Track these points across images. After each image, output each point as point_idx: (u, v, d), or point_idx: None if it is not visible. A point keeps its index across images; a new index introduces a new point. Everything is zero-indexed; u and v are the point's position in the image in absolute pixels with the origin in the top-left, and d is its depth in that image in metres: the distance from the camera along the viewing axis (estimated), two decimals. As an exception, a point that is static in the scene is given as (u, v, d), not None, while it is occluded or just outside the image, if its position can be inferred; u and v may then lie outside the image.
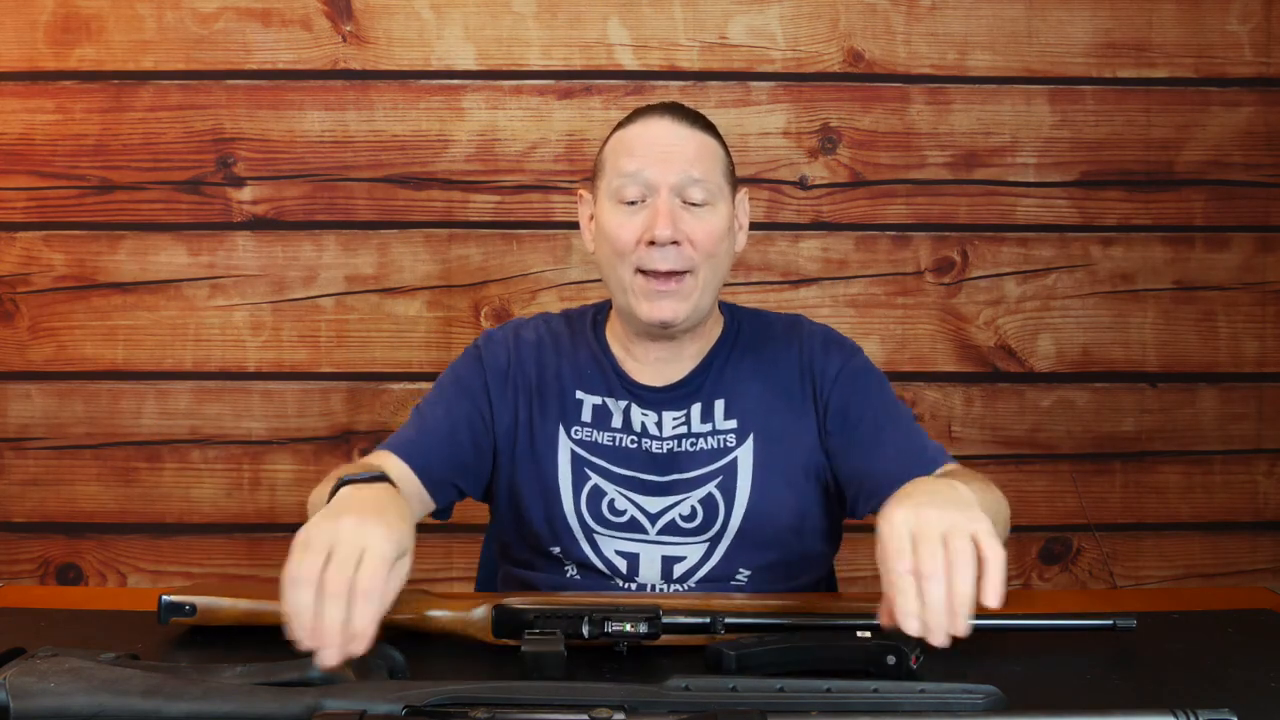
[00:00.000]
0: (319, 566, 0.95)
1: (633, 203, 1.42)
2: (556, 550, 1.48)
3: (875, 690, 0.94)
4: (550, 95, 2.19)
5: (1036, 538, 2.28)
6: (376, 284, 2.19)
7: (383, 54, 2.17)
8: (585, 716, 0.88)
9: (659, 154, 1.42)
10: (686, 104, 1.50)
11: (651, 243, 1.39)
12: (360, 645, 0.94)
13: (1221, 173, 2.24)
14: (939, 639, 0.94)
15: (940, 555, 0.95)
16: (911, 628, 0.94)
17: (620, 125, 1.50)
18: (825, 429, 1.47)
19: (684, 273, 1.40)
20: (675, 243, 1.39)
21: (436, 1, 2.16)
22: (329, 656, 0.93)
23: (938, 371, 2.24)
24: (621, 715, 0.89)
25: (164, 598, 1.19)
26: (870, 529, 1.04)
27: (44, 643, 1.00)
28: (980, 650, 1.16)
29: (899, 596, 0.95)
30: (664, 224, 1.38)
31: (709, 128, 1.49)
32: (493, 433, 1.48)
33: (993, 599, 0.95)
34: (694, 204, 1.42)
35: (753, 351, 1.51)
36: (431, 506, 1.46)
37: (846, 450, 1.46)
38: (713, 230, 1.42)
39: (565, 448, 1.47)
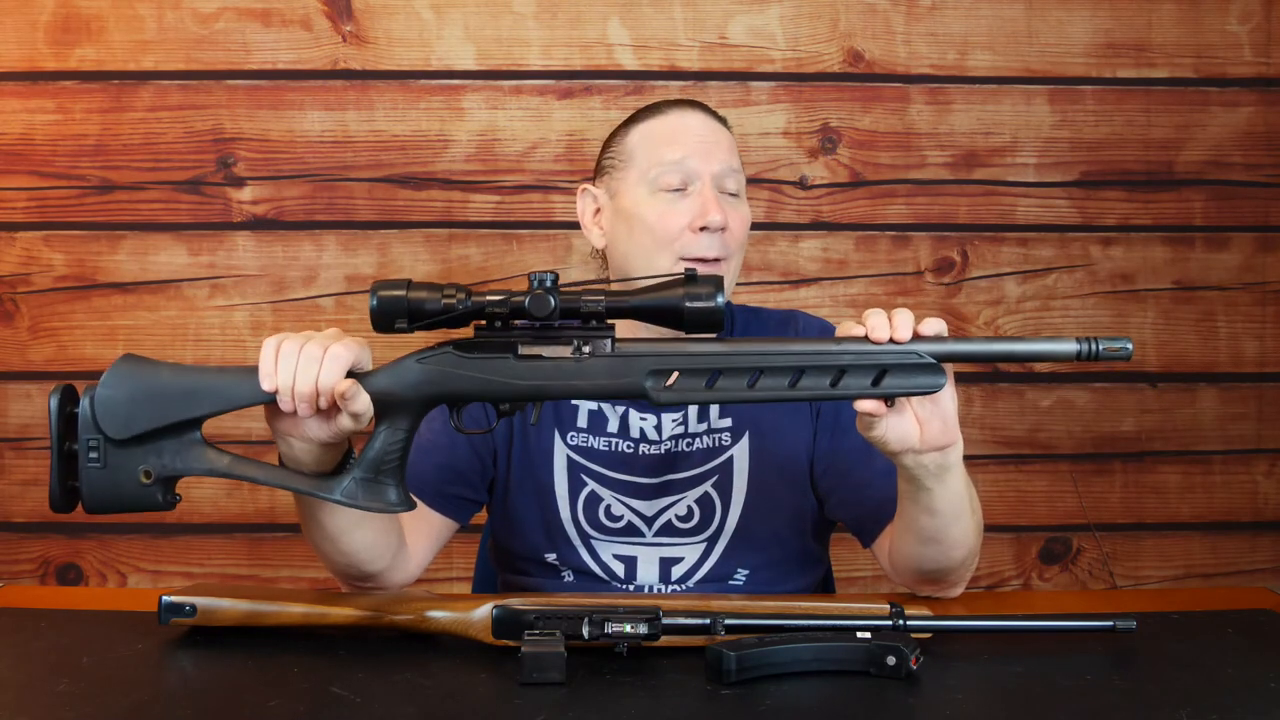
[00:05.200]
0: (300, 339, 1.13)
1: (676, 190, 1.43)
2: (552, 558, 1.47)
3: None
4: (550, 95, 2.19)
5: (1036, 538, 2.27)
6: (376, 284, 2.19)
7: (383, 54, 2.17)
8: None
9: (700, 144, 1.45)
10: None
11: (703, 229, 1.41)
12: (324, 401, 1.12)
13: (1221, 173, 2.24)
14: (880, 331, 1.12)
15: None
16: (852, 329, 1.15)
17: (640, 118, 1.50)
18: (817, 426, 1.47)
19: (722, 260, 1.43)
20: (722, 229, 1.42)
21: (436, 1, 2.16)
22: (294, 408, 1.13)
23: (938, 371, 2.24)
24: None
25: (164, 598, 1.20)
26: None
27: (44, 643, 1.00)
28: (980, 650, 1.17)
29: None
30: (716, 209, 1.41)
31: (729, 127, 1.52)
32: (491, 439, 1.48)
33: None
34: (730, 194, 1.45)
35: None
36: (452, 525, 1.46)
37: (832, 452, 1.46)
38: (746, 220, 1.47)
39: (561, 454, 1.47)
